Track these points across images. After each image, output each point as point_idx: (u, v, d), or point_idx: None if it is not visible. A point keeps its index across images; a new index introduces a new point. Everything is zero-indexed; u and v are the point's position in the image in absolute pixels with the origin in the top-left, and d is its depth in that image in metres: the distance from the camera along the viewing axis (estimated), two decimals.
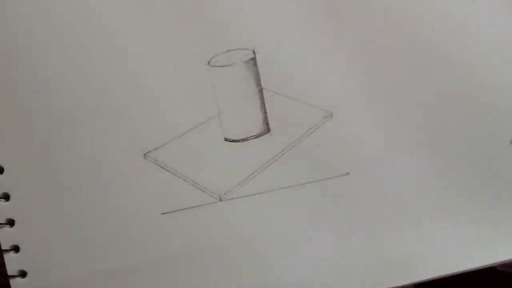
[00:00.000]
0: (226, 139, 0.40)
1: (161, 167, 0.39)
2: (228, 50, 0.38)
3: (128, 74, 0.38)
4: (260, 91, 0.39)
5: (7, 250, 0.39)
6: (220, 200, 0.39)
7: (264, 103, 0.39)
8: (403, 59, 0.38)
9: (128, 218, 0.39)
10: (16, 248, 0.39)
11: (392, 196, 0.39)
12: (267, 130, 0.40)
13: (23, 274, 0.39)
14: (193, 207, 0.39)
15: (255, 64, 0.38)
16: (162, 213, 0.39)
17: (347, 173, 0.39)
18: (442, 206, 0.38)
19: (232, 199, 0.39)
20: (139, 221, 0.40)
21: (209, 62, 0.38)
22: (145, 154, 0.39)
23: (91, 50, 0.37)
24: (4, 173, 0.39)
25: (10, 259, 0.39)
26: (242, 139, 0.40)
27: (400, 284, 0.38)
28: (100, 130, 0.38)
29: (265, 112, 0.39)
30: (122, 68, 0.37)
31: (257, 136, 0.40)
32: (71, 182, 0.39)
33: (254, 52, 0.38)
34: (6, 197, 0.39)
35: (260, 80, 0.39)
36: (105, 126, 0.38)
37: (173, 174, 0.39)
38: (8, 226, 0.39)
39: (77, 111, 0.38)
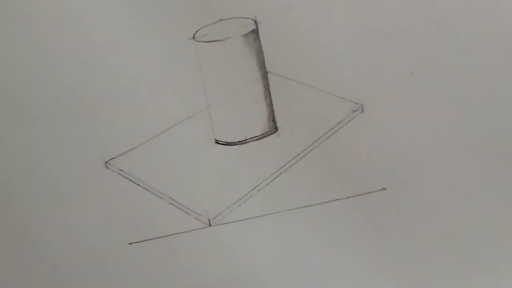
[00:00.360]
0: (217, 142, 0.37)
1: (129, 179, 0.36)
2: (220, 20, 0.36)
3: (85, 57, 0.36)
4: (264, 75, 0.36)
5: None
6: (209, 225, 0.36)
7: (269, 93, 0.37)
8: (460, 36, 0.36)
9: (83, 249, 0.36)
10: None
11: (442, 219, 0.36)
12: (274, 129, 0.37)
13: None
14: (173, 234, 0.36)
15: (257, 39, 0.36)
16: (129, 243, 0.36)
17: (383, 189, 0.36)
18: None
19: (225, 224, 0.36)
20: (99, 253, 0.36)
21: (194, 35, 0.35)
22: (106, 162, 0.36)
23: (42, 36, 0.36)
24: None
25: None
26: (240, 141, 0.37)
27: None
28: (49, 133, 0.36)
29: (271, 105, 0.37)
30: (78, 50, 0.36)
31: (260, 137, 0.37)
32: (9, 196, 0.37)
33: (255, 22, 0.36)
34: None
35: (263, 60, 0.36)
36: (56, 128, 0.36)
37: (145, 189, 0.36)
38: None
39: (25, 110, 0.36)
